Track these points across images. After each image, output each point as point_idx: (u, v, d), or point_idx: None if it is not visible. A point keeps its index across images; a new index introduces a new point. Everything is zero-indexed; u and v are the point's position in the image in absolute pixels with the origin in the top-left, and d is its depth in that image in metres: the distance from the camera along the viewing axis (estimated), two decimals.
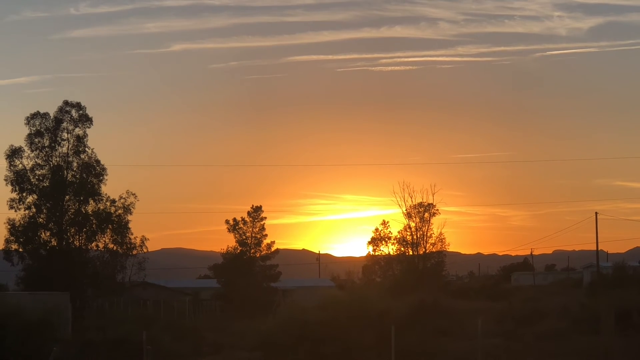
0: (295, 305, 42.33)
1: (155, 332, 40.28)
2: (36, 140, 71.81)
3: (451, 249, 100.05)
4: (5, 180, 71.30)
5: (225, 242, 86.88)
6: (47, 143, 71.97)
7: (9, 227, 71.28)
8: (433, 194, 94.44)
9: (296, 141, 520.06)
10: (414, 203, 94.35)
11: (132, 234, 73.94)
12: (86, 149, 72.67)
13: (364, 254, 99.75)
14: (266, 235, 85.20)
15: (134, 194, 74.08)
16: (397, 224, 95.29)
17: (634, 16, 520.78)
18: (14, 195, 71.32)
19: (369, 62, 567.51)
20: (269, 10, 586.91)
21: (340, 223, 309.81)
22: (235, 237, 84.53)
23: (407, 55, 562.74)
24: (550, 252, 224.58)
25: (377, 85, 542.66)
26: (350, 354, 34.75)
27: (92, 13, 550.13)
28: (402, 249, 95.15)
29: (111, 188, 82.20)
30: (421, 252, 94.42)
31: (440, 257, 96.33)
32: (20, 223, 71.16)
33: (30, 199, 71.61)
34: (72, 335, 47.34)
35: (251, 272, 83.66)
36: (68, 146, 72.46)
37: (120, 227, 73.09)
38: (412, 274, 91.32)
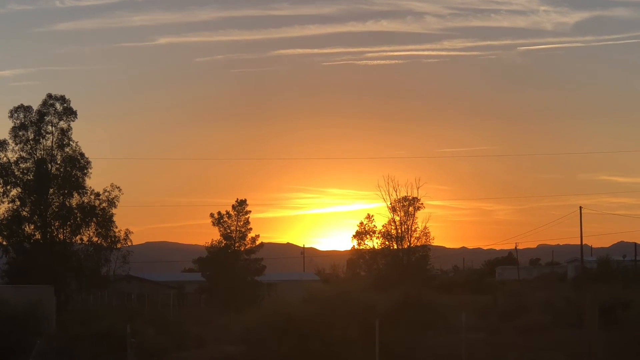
0: (279, 299, 42.32)
1: (139, 325, 40.09)
2: (20, 133, 71.61)
3: (436, 243, 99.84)
4: None
5: (209, 235, 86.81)
6: (31, 136, 71.78)
7: None
8: (418, 188, 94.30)
9: (281, 135, 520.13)
10: (398, 197, 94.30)
11: (116, 227, 73.81)
12: (70, 142, 72.53)
13: (349, 247, 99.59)
14: (251, 228, 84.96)
15: (119, 187, 74.01)
16: (382, 218, 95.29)
17: (619, 11, 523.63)
18: None
19: (355, 56, 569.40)
20: (255, 3, 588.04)
21: (325, 217, 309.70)
22: (220, 231, 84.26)
23: (393, 50, 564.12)
24: (534, 246, 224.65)
25: (362, 79, 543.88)
26: (335, 348, 34.73)
27: (77, 6, 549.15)
28: (387, 242, 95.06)
29: (95, 181, 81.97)
30: (406, 246, 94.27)
31: (425, 251, 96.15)
32: (4, 216, 71.01)
33: (14, 192, 71.46)
34: (55, 329, 47.12)
35: (236, 265, 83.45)
36: (52, 139, 72.26)
37: (105, 221, 72.90)
38: (397, 268, 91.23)
